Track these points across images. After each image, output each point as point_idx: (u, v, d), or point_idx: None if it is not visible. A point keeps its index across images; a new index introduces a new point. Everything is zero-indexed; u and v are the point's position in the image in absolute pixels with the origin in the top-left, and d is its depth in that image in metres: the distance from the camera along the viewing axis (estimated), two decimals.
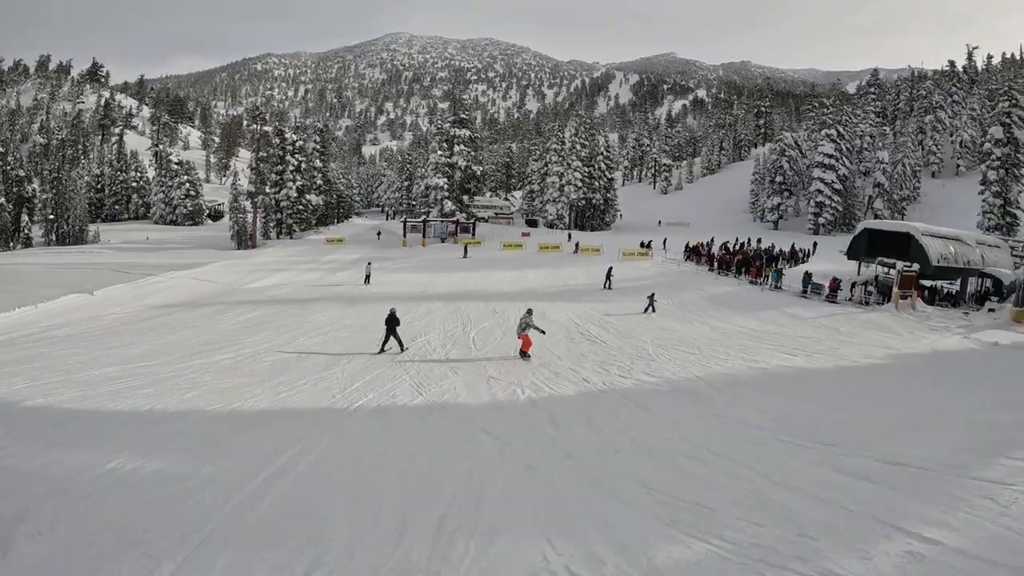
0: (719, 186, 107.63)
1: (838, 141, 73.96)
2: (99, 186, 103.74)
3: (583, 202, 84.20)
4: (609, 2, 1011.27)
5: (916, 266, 29.81)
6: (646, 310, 26.54)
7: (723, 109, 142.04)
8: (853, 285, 31.18)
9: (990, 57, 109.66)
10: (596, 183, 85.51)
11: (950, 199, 68.42)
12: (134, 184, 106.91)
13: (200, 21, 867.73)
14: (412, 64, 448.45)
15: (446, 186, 72.96)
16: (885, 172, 70.69)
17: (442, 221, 67.83)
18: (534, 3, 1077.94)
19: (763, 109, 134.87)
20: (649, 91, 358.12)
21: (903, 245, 32.09)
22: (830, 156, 73.60)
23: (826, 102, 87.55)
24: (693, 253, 45.81)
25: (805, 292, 31.06)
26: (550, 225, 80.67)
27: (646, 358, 18.13)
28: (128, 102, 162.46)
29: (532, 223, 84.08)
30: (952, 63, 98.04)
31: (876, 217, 65.01)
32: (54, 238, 72.63)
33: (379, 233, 69.74)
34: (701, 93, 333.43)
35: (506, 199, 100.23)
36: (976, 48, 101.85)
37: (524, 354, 17.67)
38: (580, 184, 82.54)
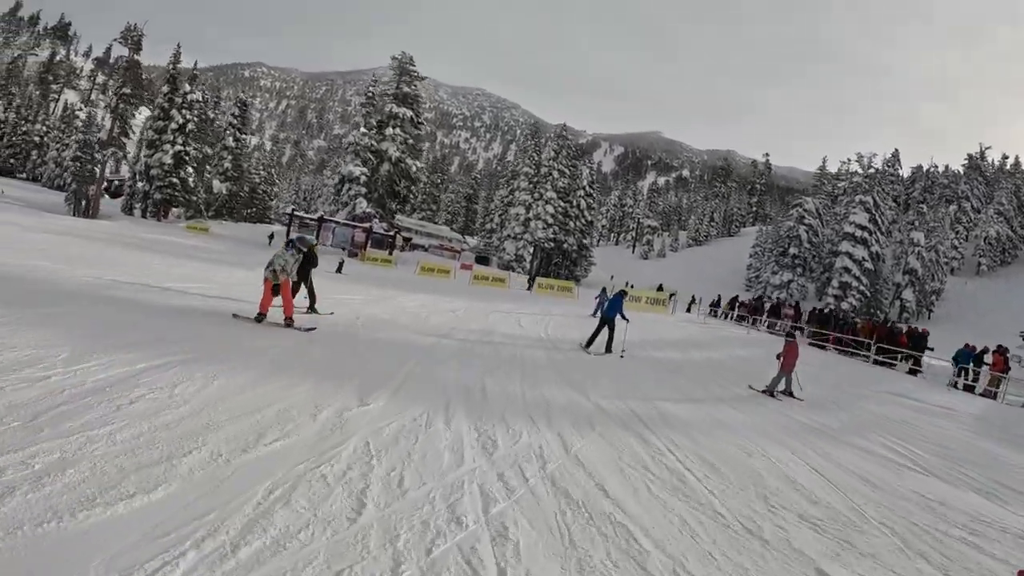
0: (708, 258, 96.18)
1: (873, 212, 58.75)
2: None
3: (551, 244, 67.22)
4: (600, 76, 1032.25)
5: None
6: None
7: (718, 178, 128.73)
8: None
9: (1005, 157, 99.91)
10: (572, 224, 68.85)
11: (975, 300, 58.61)
12: (36, 139, 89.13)
13: (198, 20, 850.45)
14: None
15: (364, 179, 55.13)
16: (920, 257, 56.65)
17: (345, 224, 49.96)
18: (528, 66, 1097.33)
19: (757, 186, 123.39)
20: (633, 164, 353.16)
21: None
22: (863, 228, 58.47)
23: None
24: (752, 312, 29.26)
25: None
26: (505, 266, 63.61)
27: None
28: (87, 66, 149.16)
29: (482, 260, 67.15)
30: (971, 156, 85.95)
31: (904, 310, 54.99)
32: None
33: (271, 236, 50.22)
34: (685, 173, 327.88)
35: (462, 239, 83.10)
36: (989, 148, 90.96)
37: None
38: (551, 221, 66.04)
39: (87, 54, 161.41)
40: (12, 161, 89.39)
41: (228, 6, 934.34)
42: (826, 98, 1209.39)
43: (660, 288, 34.64)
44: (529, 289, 39.29)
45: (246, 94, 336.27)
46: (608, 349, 14.94)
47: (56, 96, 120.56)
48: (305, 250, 11.89)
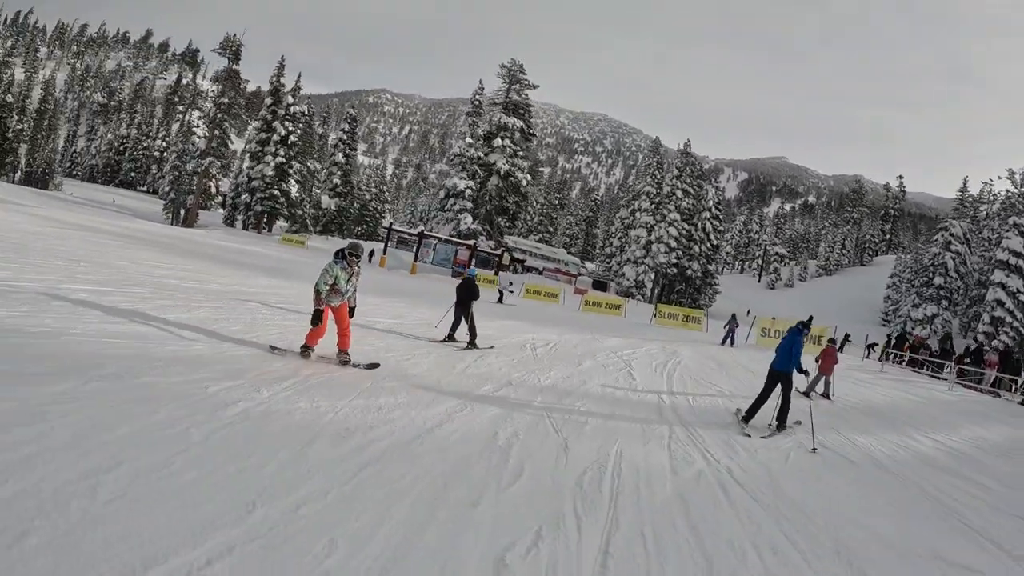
0: (840, 288, 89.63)
1: None
2: (121, 148, 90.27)
3: (674, 270, 61.48)
4: (722, 103, 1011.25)
5: None
6: None
7: (849, 203, 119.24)
8: None
9: None
10: (696, 248, 62.87)
11: None
12: (156, 154, 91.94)
13: (327, 50, 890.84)
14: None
15: (471, 194, 50.79)
16: None
17: (448, 241, 45.87)
18: (649, 91, 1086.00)
19: (891, 212, 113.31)
20: (757, 189, 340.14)
21: None
22: (1018, 255, 49.93)
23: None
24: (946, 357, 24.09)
25: None
26: (624, 293, 58.51)
27: None
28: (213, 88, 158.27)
29: (600, 286, 62.22)
30: None
31: None
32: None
33: (371, 252, 46.84)
34: (811, 199, 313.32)
35: (580, 263, 78.40)
36: None
37: None
38: (675, 244, 60.44)
39: (216, 79, 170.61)
40: (133, 174, 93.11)
41: (354, 35, 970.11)
42: (958, 121, 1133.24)
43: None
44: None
45: (370, 118, 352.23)
46: (780, 424, 8.91)
47: (181, 116, 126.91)
48: (357, 258, 8.33)
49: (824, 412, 10.91)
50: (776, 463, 7.19)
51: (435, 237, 45.53)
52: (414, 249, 44.96)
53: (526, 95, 55.59)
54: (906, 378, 21.05)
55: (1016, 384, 19.74)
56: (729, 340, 24.13)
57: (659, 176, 65.44)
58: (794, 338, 9.05)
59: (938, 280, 59.64)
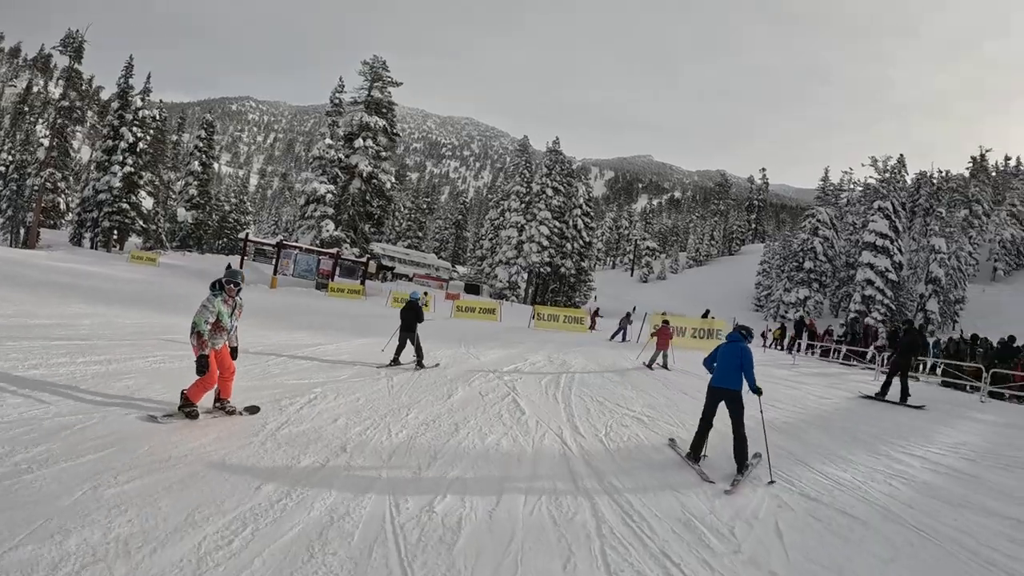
0: (712, 278, 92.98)
1: (893, 218, 54.22)
2: None
3: (547, 268, 61.68)
4: (589, 103, 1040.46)
5: None
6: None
7: (715, 197, 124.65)
8: None
9: (1008, 158, 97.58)
10: (569, 246, 63.33)
11: (998, 307, 54.96)
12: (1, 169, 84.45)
13: (188, 56, 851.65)
14: None
15: (332, 199, 48.54)
16: (943, 264, 52.97)
17: (309, 251, 43.72)
18: (515, 94, 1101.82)
19: (755, 203, 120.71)
20: (624, 187, 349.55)
21: None
22: (883, 236, 54.21)
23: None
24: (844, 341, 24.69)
25: None
26: (498, 295, 58.16)
27: None
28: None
29: (473, 289, 61.66)
30: (975, 159, 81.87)
31: (928, 322, 50.89)
32: None
33: (228, 267, 42.73)
34: (677, 194, 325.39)
35: (451, 267, 77.35)
36: (990, 150, 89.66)
37: None
38: (546, 243, 60.62)
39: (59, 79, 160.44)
40: None
41: (217, 42, 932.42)
42: (814, 118, 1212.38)
43: (707, 315, 27.99)
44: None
45: (234, 127, 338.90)
46: (741, 466, 6.80)
47: (32, 126, 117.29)
48: (238, 287, 7.18)
49: (774, 430, 8.54)
50: (769, 547, 5.02)
51: (295, 247, 43.18)
52: (273, 261, 42.58)
53: (389, 92, 53.73)
54: (823, 370, 20.73)
55: (924, 365, 20.00)
56: (621, 336, 24.00)
57: (528, 175, 65.59)
58: (738, 347, 7.25)
59: (808, 264, 63.51)
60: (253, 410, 7.14)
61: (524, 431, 7.91)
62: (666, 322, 17.22)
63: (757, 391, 6.96)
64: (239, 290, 7.08)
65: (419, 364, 12.24)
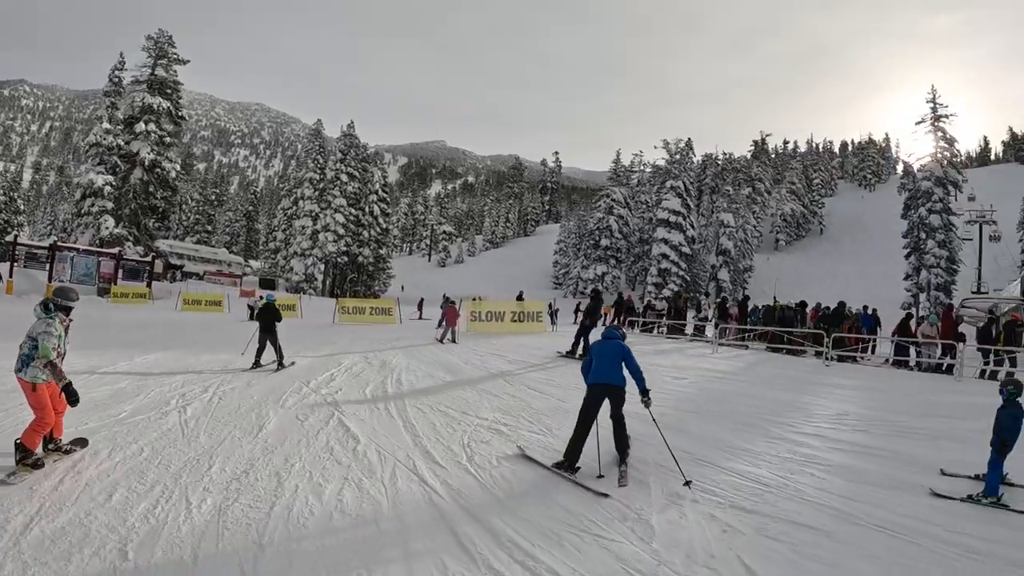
0: (510, 259, 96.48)
1: (685, 196, 58.00)
2: None
3: (345, 258, 59.17)
4: (383, 90, 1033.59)
5: None
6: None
7: (510, 180, 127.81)
8: None
9: (786, 142, 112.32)
10: (366, 233, 61.14)
11: (781, 272, 62.58)
12: None
13: None
14: None
15: (111, 192, 43.11)
16: (732, 237, 58.86)
17: (88, 252, 38.49)
18: (305, 79, 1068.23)
19: (549, 185, 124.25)
20: (418, 173, 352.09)
21: None
22: (676, 213, 57.85)
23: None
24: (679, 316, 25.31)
25: None
26: (295, 289, 54.99)
27: None
28: None
29: (268, 284, 57.72)
30: (756, 142, 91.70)
31: (720, 290, 55.55)
32: None
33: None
34: (471, 179, 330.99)
35: (244, 262, 72.32)
36: (770, 135, 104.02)
37: None
38: (343, 231, 58.12)
39: None
40: None
41: None
42: (605, 107, 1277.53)
43: (520, 297, 26.90)
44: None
45: (6, 115, 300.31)
46: (623, 457, 6.24)
47: None
48: (71, 307, 6.17)
49: (651, 422, 6.59)
50: None
51: (71, 248, 37.71)
52: (47, 265, 36.89)
53: (175, 71, 48.41)
54: (658, 345, 20.03)
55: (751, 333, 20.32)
56: (445, 327, 22.38)
57: (322, 161, 62.74)
58: (617, 344, 6.61)
59: (604, 241, 66.49)
60: (82, 443, 6.22)
61: (367, 470, 6.10)
62: (452, 303, 20.21)
63: (645, 392, 6.34)
64: (71, 309, 6.16)
65: (280, 365, 12.11)
